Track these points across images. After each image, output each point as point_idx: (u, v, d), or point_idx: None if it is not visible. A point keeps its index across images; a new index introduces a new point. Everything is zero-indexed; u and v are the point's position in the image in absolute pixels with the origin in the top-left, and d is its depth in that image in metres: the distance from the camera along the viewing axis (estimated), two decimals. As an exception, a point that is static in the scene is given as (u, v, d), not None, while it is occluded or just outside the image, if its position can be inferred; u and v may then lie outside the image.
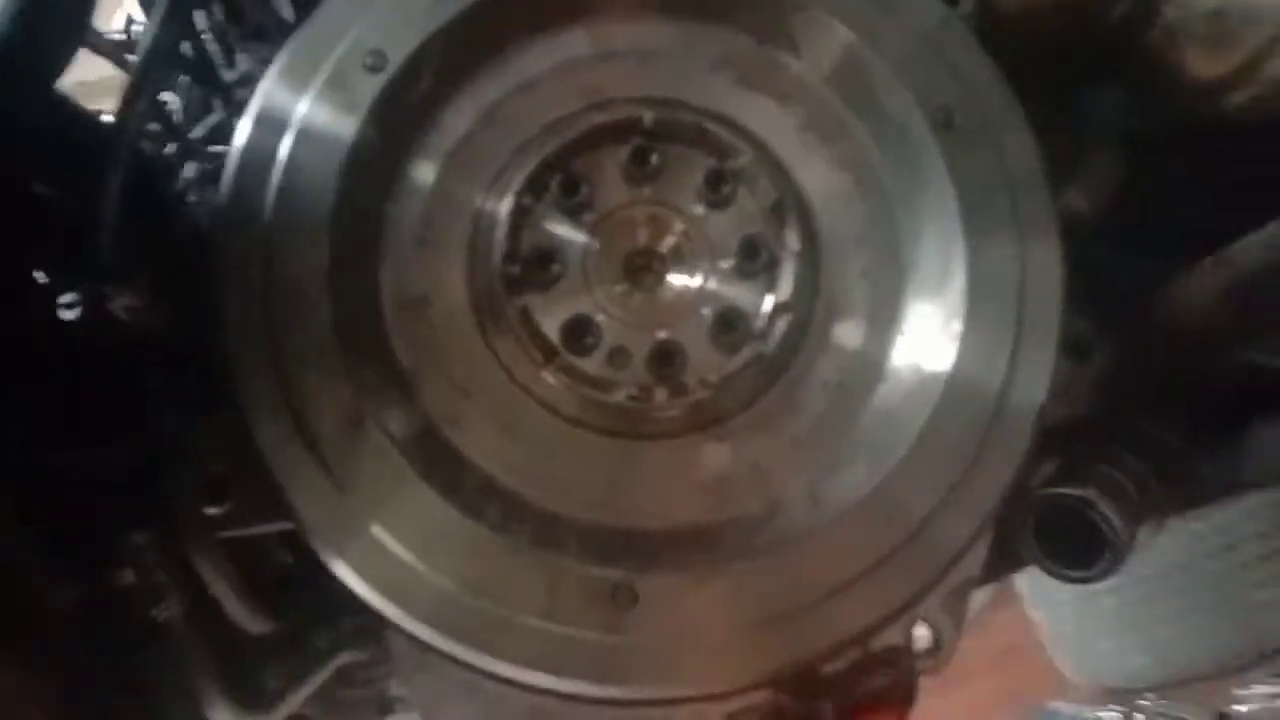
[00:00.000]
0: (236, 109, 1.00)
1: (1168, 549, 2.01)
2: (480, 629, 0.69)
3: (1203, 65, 0.86)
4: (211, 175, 1.02)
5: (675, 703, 0.70)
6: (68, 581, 0.84)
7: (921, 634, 0.77)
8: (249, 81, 0.99)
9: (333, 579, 0.77)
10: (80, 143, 0.89)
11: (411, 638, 0.70)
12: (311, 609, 0.87)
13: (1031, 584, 2.26)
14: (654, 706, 0.70)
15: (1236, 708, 2.23)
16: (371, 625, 0.85)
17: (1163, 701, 2.30)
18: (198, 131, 1.03)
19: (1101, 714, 2.43)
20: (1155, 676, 2.19)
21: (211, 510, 0.72)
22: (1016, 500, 0.84)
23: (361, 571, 0.70)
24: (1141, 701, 2.33)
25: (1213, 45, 0.85)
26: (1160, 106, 0.91)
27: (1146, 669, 2.18)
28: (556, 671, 0.69)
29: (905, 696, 0.78)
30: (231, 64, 1.02)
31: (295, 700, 0.88)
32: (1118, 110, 0.95)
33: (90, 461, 0.82)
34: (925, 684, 0.76)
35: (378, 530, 0.69)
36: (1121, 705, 2.37)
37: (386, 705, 1.00)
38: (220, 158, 1.02)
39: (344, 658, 0.90)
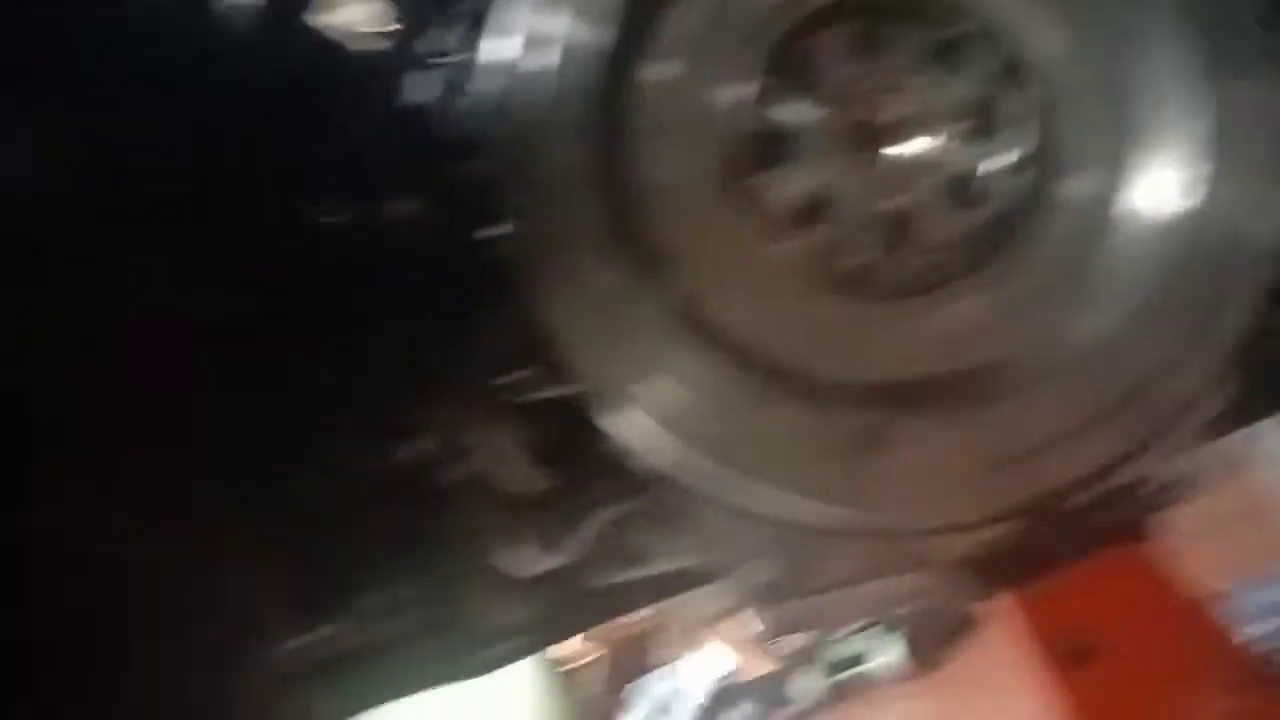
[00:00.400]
0: (461, 23, 1.08)
1: None
2: (746, 471, 0.77)
3: None
4: (449, 87, 1.12)
5: (925, 533, 0.78)
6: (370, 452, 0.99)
7: (1159, 474, 0.80)
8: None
9: (602, 439, 0.88)
10: (333, 68, 1.01)
11: (686, 482, 0.80)
12: (578, 471, 0.98)
13: (1265, 443, 2.17)
14: (905, 537, 0.78)
15: None
16: (631, 482, 0.97)
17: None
18: (421, 46, 1.11)
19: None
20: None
21: (508, 379, 0.84)
22: (1256, 347, 0.85)
23: (639, 424, 0.80)
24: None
25: None
26: None
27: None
28: (819, 503, 0.77)
29: (1142, 533, 0.82)
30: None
31: (566, 553, 1.01)
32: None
33: (388, 347, 0.96)
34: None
35: (653, 388, 0.79)
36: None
37: (642, 556, 1.10)
38: (452, 69, 1.11)
39: (607, 513, 1.01)
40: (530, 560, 0.99)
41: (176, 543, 0.80)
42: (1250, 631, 2.09)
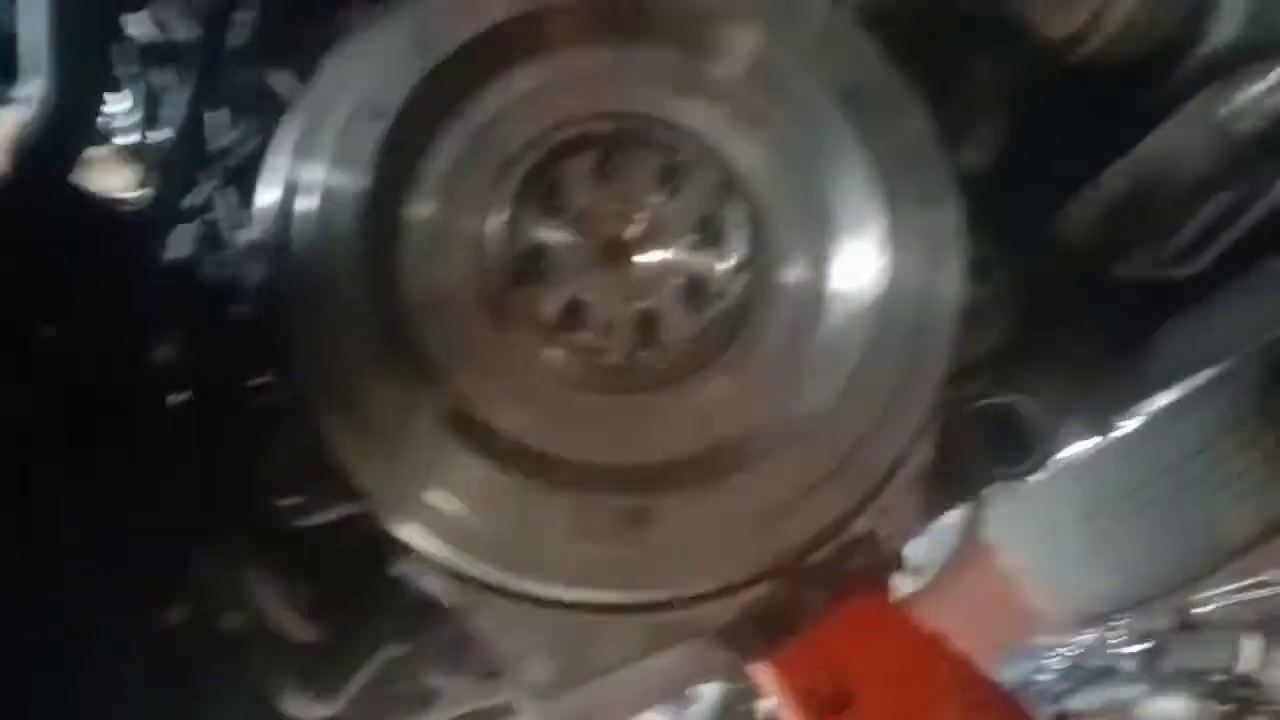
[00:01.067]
0: (227, 177, 1.13)
1: (1122, 474, 2.14)
2: (526, 561, 0.83)
3: (1055, 25, 1.04)
4: (211, 239, 1.14)
5: (696, 600, 0.85)
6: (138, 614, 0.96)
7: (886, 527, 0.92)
8: (232, 152, 1.13)
9: (378, 574, 0.90)
10: (104, 224, 1.02)
11: (471, 580, 0.84)
12: (354, 614, 0.99)
13: (999, 529, 2.40)
14: (679, 606, 0.85)
15: (1198, 610, 2.41)
16: (408, 619, 0.98)
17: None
18: (189, 199, 1.14)
19: (1079, 639, 2.59)
20: (1128, 596, 2.32)
21: (286, 502, 0.85)
22: (953, 412, 1.00)
23: (422, 530, 0.84)
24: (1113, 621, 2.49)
25: (1060, 7, 1.03)
26: (1030, 64, 1.08)
27: (1118, 590, 2.30)
28: (592, 586, 0.83)
29: (883, 578, 0.93)
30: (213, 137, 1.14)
31: (342, 699, 1.00)
32: (998, 72, 1.11)
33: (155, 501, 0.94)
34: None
35: (430, 494, 0.84)
36: (1097, 627, 2.53)
37: (428, 698, 1.09)
38: (219, 220, 1.15)
39: (386, 653, 1.01)
40: (307, 709, 0.97)
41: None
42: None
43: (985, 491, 1.21)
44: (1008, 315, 1.08)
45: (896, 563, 0.94)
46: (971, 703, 0.86)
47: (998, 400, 1.08)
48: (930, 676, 0.86)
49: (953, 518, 1.48)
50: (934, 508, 1.17)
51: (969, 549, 2.47)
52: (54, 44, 0.89)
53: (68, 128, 0.94)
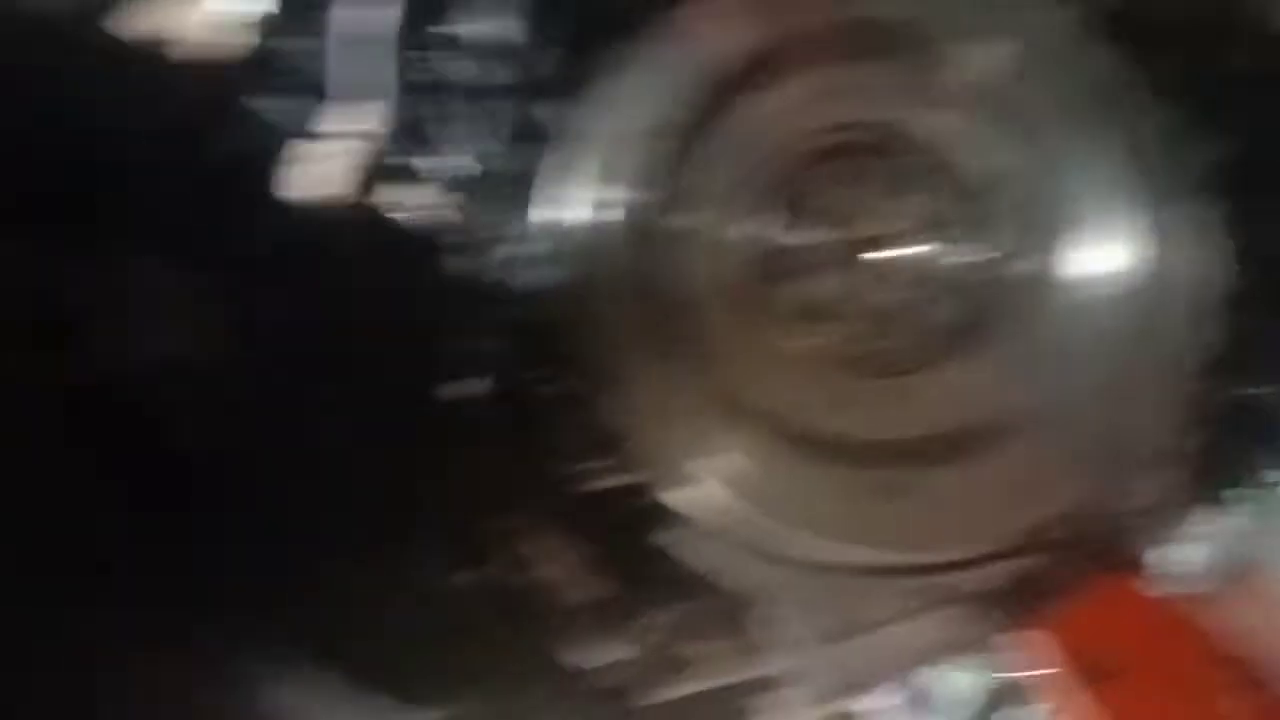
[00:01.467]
0: (510, 197, 1.28)
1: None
2: (788, 527, 0.92)
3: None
4: (508, 251, 1.28)
5: (953, 567, 0.90)
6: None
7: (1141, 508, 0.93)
8: (513, 174, 1.27)
9: (659, 540, 1.00)
10: (417, 242, 1.19)
11: (736, 543, 0.93)
12: (636, 574, 1.09)
13: (1269, 546, 2.22)
14: (936, 572, 0.91)
15: None
16: (686, 584, 1.07)
17: None
18: (481, 218, 1.27)
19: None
20: None
21: (600, 464, 0.98)
22: (1208, 404, 1.01)
23: (692, 497, 0.94)
24: None
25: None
26: (1268, 58, 1.08)
27: None
28: (853, 550, 0.91)
29: (1134, 558, 0.94)
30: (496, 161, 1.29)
31: (626, 652, 1.09)
32: (1235, 68, 1.11)
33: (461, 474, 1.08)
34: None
35: (698, 465, 0.94)
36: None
37: (694, 666, 1.16)
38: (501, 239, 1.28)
39: (655, 618, 1.10)
40: (586, 660, 1.07)
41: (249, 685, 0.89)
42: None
43: (1254, 504, 1.19)
44: (1262, 307, 1.07)
45: (1157, 552, 0.95)
46: (1239, 678, 0.86)
47: (1256, 393, 1.07)
48: (1200, 648, 0.87)
49: (1220, 534, 1.43)
50: (1194, 502, 1.17)
51: (1237, 566, 2.32)
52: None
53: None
